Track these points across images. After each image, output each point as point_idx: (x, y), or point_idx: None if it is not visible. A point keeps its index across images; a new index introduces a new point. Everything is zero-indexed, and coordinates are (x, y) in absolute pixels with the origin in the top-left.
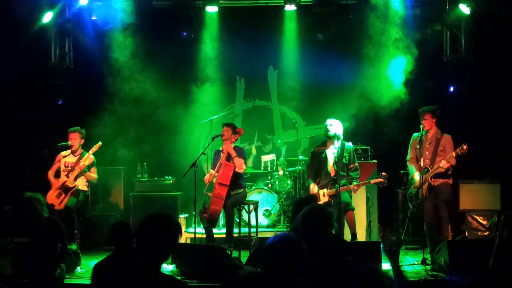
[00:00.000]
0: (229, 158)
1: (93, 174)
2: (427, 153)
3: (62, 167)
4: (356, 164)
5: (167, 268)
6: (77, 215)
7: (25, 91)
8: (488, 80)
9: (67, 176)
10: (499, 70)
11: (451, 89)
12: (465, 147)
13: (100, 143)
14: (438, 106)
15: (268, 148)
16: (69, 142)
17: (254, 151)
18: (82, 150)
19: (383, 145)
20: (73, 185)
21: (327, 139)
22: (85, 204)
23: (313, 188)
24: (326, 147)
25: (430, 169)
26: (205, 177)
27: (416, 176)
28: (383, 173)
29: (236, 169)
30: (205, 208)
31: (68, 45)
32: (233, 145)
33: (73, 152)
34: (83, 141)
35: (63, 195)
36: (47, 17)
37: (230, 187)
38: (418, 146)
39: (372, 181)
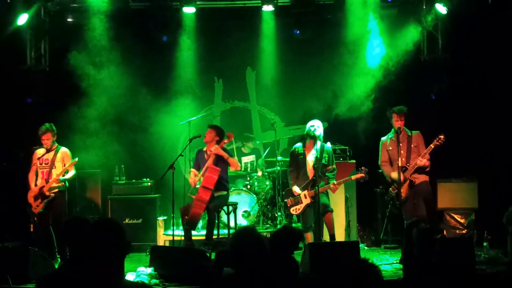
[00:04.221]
0: (217, 162)
1: (68, 175)
2: (402, 151)
3: (38, 165)
4: (334, 166)
5: (146, 271)
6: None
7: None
8: (465, 79)
9: (46, 181)
10: (476, 69)
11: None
12: (442, 136)
13: (76, 159)
14: (415, 106)
15: (250, 146)
16: (43, 144)
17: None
18: (56, 145)
19: (362, 145)
20: (49, 195)
21: (308, 140)
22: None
23: (295, 189)
24: (306, 148)
25: (407, 167)
26: (190, 180)
27: (394, 174)
28: (363, 168)
29: (233, 168)
30: (186, 207)
31: (43, 47)
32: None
33: (48, 150)
34: (55, 137)
35: (39, 200)
36: (22, 19)
37: (214, 190)
38: (391, 148)
39: (353, 177)
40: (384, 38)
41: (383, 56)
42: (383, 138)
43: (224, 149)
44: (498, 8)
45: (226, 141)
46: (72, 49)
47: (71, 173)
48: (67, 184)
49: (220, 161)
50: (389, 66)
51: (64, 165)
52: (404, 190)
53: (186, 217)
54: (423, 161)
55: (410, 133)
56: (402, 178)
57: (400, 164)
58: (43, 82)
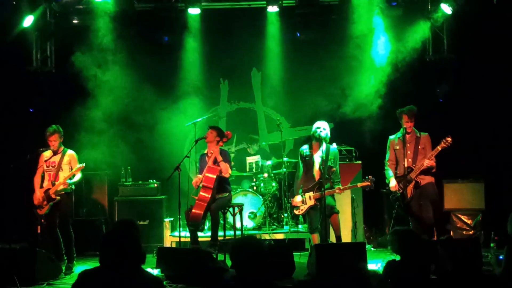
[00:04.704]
0: (216, 161)
1: (75, 178)
2: (409, 152)
3: (45, 167)
4: (337, 167)
5: (152, 272)
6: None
7: (6, 96)
8: (471, 79)
9: (53, 183)
10: (482, 69)
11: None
12: (449, 139)
13: (83, 164)
14: (421, 106)
15: (255, 148)
16: (49, 146)
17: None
18: (63, 147)
19: (368, 145)
20: (55, 198)
21: (315, 141)
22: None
23: (297, 199)
24: (313, 149)
25: (413, 168)
26: (193, 181)
27: (392, 182)
28: (369, 177)
29: (223, 174)
30: (190, 209)
31: (49, 48)
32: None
33: (54, 152)
34: (62, 139)
35: (45, 202)
36: (28, 20)
37: (215, 190)
38: (398, 147)
39: (359, 184)
40: (390, 38)
41: (388, 56)
42: (391, 137)
43: (223, 153)
44: (503, 8)
45: (224, 139)
46: (77, 50)
47: (78, 176)
48: (73, 186)
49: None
50: (394, 66)
51: (71, 168)
52: (409, 191)
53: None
54: (429, 162)
55: (419, 134)
56: (403, 183)
57: (406, 165)
58: (49, 84)
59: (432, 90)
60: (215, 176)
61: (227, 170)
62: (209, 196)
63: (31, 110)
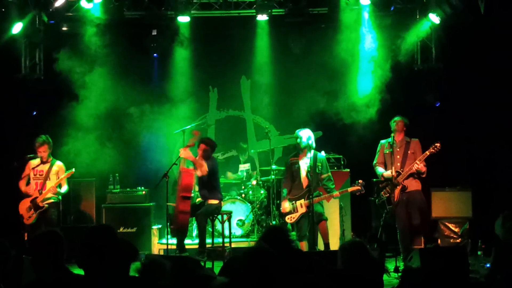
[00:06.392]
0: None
1: (62, 189)
2: (398, 157)
3: (32, 175)
4: (329, 173)
5: None
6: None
7: None
8: (458, 88)
9: (40, 192)
10: (469, 79)
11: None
12: (438, 144)
13: (73, 170)
14: (410, 115)
15: (245, 156)
16: (38, 155)
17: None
18: (51, 158)
19: (356, 153)
20: (43, 206)
21: (300, 150)
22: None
23: (284, 204)
24: (299, 158)
25: (401, 172)
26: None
27: (386, 173)
28: (359, 181)
29: (199, 173)
30: (171, 219)
31: (38, 56)
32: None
33: (43, 162)
34: (51, 149)
35: (32, 211)
36: (17, 28)
37: (207, 195)
38: (387, 151)
39: (349, 189)
40: (378, 47)
41: (376, 65)
42: (382, 141)
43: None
44: (490, 18)
45: (191, 139)
46: (67, 57)
47: (65, 188)
48: (60, 197)
49: (208, 167)
50: (382, 75)
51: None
52: (396, 195)
53: (172, 226)
54: (420, 165)
55: (409, 139)
56: (394, 175)
57: (394, 169)
58: (38, 91)
59: (420, 99)
60: (193, 181)
61: (202, 169)
62: (189, 207)
63: (34, 113)
